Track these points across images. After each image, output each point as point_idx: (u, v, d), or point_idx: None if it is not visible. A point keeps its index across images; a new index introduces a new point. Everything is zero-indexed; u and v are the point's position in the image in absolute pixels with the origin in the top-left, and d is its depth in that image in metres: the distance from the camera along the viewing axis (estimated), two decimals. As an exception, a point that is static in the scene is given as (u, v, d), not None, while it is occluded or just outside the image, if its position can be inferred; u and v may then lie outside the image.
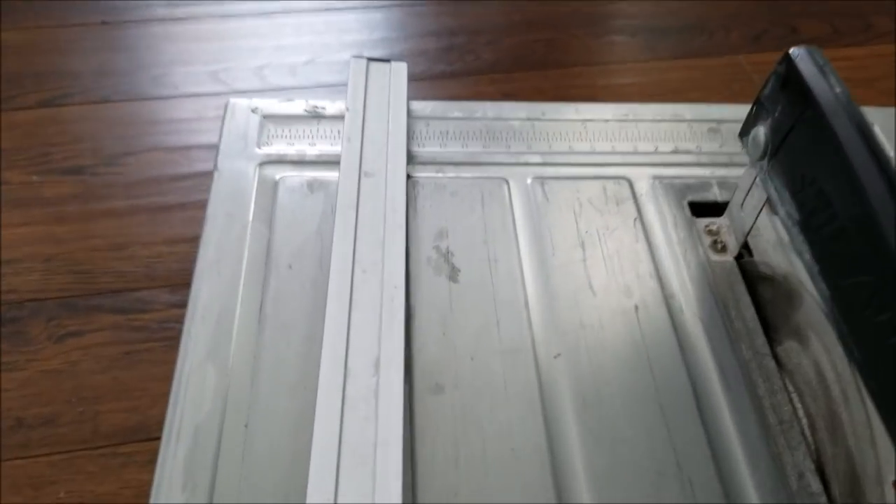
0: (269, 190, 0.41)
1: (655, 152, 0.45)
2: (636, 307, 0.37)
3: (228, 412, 0.32)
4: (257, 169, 0.42)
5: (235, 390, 0.33)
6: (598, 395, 0.34)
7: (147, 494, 0.31)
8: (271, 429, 0.32)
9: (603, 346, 0.36)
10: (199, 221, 0.45)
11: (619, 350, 0.36)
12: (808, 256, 0.33)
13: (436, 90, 0.77)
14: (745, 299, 0.38)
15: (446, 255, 0.39)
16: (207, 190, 0.42)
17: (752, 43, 0.87)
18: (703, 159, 0.45)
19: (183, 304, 0.37)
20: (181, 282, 0.59)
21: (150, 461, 0.51)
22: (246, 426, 0.32)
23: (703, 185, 0.44)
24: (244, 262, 0.38)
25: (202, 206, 0.45)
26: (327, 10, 0.85)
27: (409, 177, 0.43)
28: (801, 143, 0.34)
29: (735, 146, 0.46)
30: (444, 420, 0.33)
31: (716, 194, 0.43)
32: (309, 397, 0.32)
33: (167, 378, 0.46)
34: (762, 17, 0.90)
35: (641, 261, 0.39)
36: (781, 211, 0.35)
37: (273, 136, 0.44)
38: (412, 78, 0.76)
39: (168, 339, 0.56)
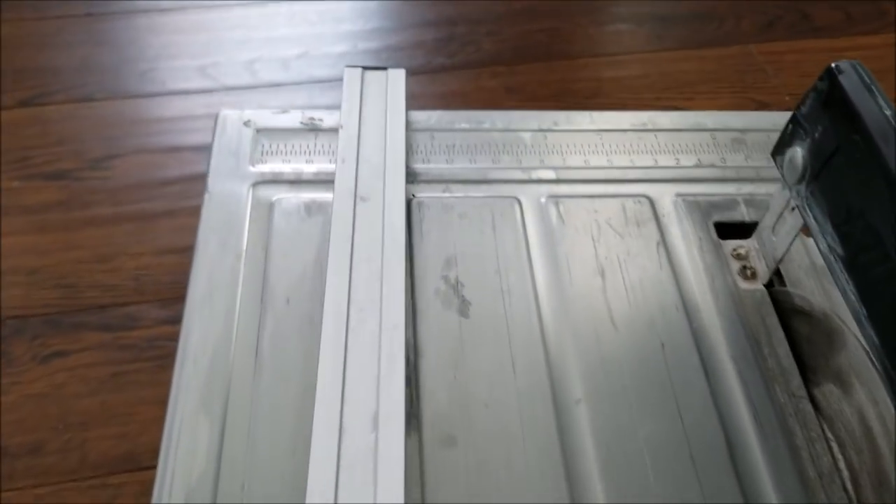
0: (264, 213, 0.38)
1: (677, 166, 0.42)
2: (662, 345, 0.35)
3: (223, 474, 0.30)
4: (251, 190, 0.39)
5: (230, 447, 0.30)
6: (623, 445, 0.32)
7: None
8: (270, 492, 0.29)
9: (627, 389, 0.33)
10: (189, 230, 0.42)
11: (645, 394, 0.33)
12: (853, 298, 0.30)
13: (435, 85, 0.74)
14: (779, 334, 0.35)
15: (455, 287, 0.36)
16: (197, 196, 0.40)
17: (763, 31, 0.83)
18: (729, 174, 0.42)
19: (173, 320, 0.34)
20: (171, 296, 0.56)
21: (141, 492, 0.48)
22: (242, 488, 0.29)
23: (730, 203, 0.41)
24: (238, 297, 0.35)
25: (191, 213, 0.43)
26: (321, -2, 0.81)
27: (413, 197, 0.40)
28: (847, 169, 0.31)
29: (762, 158, 0.43)
30: (457, 476, 0.30)
31: (743, 213, 0.40)
32: (306, 455, 0.29)
33: (157, 401, 0.43)
34: (773, 4, 0.86)
35: (666, 290, 0.37)
36: (822, 243, 0.32)
37: (267, 153, 0.41)
38: (410, 72, 0.72)
39: (157, 357, 0.53)
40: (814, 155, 0.33)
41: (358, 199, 0.37)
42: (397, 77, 0.45)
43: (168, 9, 0.78)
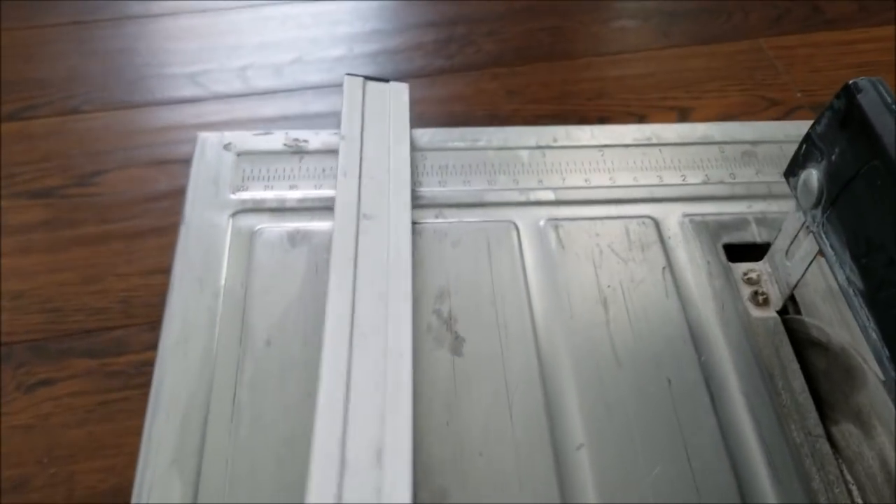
0: (244, 245, 0.36)
1: (684, 183, 0.40)
2: (669, 381, 0.32)
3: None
4: (230, 219, 0.37)
5: (205, 508, 0.28)
6: (628, 493, 0.30)
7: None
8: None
9: (632, 431, 0.31)
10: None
11: (651, 436, 0.31)
12: (874, 336, 0.28)
13: (435, 88, 0.71)
14: (794, 366, 0.33)
15: (448, 322, 0.34)
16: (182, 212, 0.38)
17: (772, 25, 0.80)
18: (738, 190, 0.40)
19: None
20: (159, 318, 0.54)
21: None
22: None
23: (740, 222, 0.38)
24: (215, 340, 0.33)
25: (178, 230, 0.41)
26: None
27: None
28: (867, 197, 0.28)
29: (773, 173, 0.40)
30: (451, 533, 0.28)
31: (754, 234, 0.38)
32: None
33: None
34: (783, -5, 0.84)
35: (673, 321, 0.34)
36: (839, 274, 0.30)
37: (249, 178, 0.39)
38: (409, 76, 0.70)
39: (145, 384, 0.50)
40: (830, 179, 0.30)
41: (361, 217, 0.35)
42: (400, 92, 0.42)
43: (158, 14, 0.76)
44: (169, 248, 0.58)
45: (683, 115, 0.70)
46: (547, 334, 0.34)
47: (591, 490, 0.29)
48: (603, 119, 0.69)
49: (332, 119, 0.67)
